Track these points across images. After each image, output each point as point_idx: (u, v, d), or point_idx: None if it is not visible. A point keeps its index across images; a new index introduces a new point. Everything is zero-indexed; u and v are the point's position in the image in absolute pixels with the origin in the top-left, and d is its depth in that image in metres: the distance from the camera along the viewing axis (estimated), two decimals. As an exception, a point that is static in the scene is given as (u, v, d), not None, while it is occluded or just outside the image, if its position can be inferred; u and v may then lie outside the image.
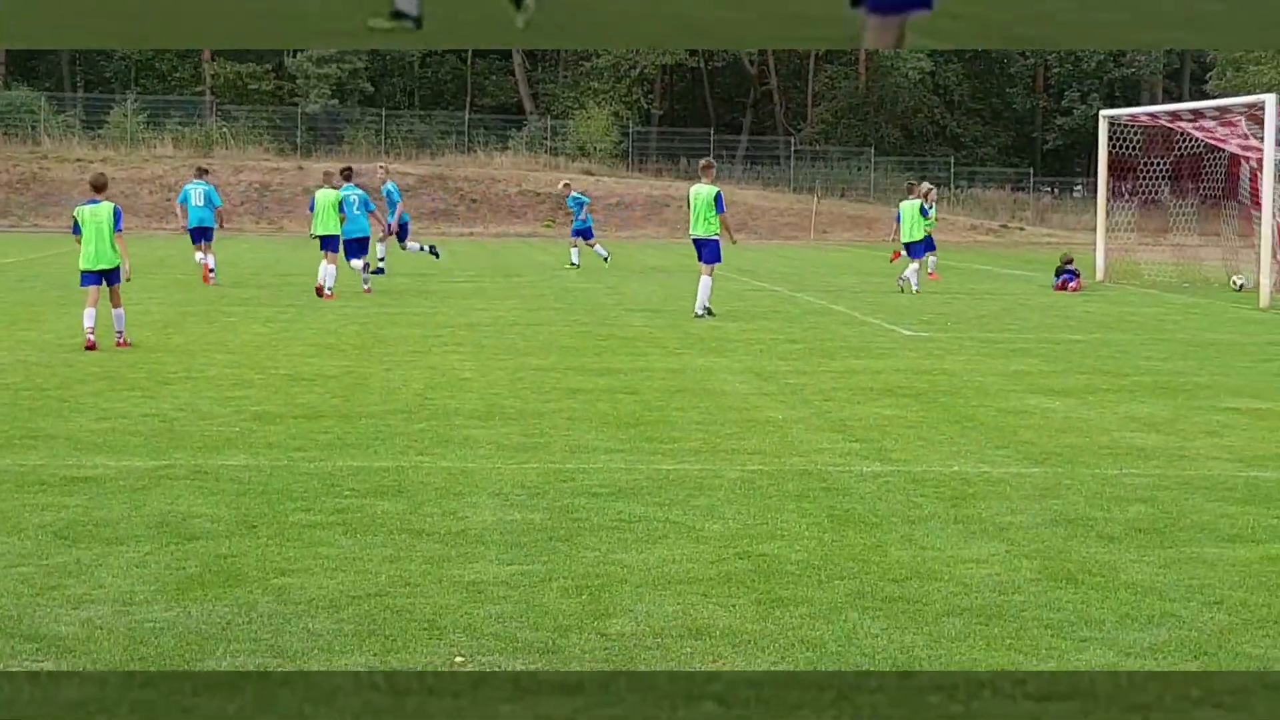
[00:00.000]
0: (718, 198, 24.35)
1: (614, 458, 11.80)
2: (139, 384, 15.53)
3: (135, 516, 9.47)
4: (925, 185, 36.08)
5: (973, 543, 9.16)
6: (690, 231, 24.93)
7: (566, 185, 42.11)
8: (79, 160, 64.50)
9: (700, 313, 24.34)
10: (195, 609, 7.48)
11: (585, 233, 39.12)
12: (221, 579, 8.04)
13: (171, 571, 8.18)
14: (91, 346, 18.29)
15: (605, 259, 39.19)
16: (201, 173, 32.87)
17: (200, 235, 31.09)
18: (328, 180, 28.71)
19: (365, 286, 28.34)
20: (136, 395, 14.74)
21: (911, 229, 31.99)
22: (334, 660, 6.72)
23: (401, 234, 33.92)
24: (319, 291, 27.06)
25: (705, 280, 24.50)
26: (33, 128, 69.44)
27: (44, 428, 12.75)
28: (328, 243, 27.49)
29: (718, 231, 24.48)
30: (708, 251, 24.47)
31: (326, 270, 27.17)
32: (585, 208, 39.18)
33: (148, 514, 9.55)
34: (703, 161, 25.71)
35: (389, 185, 34.30)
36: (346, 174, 29.31)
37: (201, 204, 31.18)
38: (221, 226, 32.34)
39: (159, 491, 10.24)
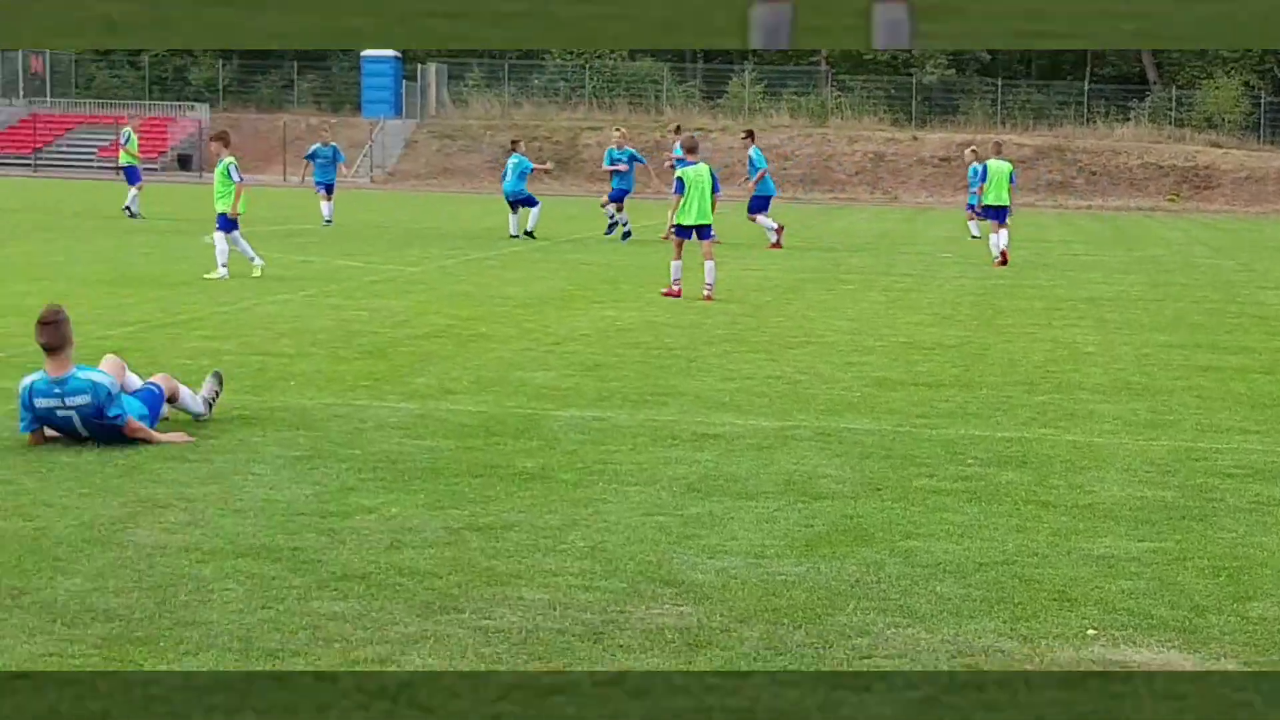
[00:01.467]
0: None
1: (1250, 439, 11.27)
2: (762, 347, 15.92)
3: (763, 473, 9.70)
4: None
5: None
6: None
7: (620, 132, 34.90)
8: (698, 129, 66.84)
9: None
10: (824, 565, 7.58)
11: (620, 196, 32.73)
12: (849, 538, 8.12)
13: (800, 528, 8.33)
14: (677, 294, 20.22)
15: (628, 234, 32.31)
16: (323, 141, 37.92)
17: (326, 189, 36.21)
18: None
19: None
20: (760, 357, 15.11)
21: (1000, 192, 27.98)
22: (962, 625, 6.66)
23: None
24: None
25: None
26: (655, 98, 72.51)
27: (675, 385, 13.23)
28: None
29: None
30: None
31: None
32: (636, 164, 32.95)
33: (775, 472, 9.76)
34: None
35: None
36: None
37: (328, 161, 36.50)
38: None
39: (785, 451, 10.46)
